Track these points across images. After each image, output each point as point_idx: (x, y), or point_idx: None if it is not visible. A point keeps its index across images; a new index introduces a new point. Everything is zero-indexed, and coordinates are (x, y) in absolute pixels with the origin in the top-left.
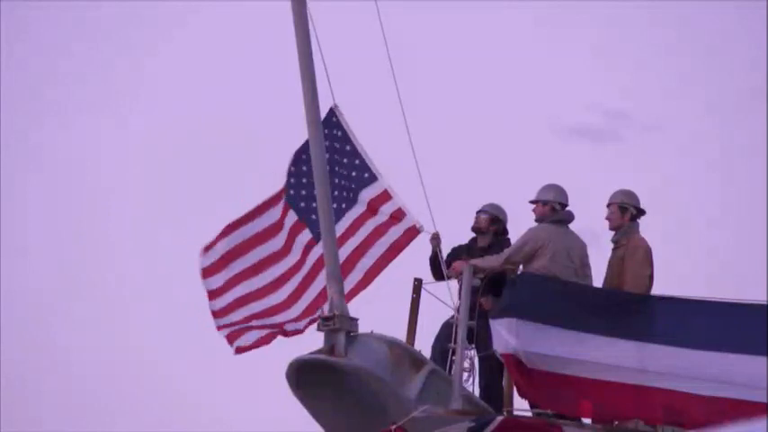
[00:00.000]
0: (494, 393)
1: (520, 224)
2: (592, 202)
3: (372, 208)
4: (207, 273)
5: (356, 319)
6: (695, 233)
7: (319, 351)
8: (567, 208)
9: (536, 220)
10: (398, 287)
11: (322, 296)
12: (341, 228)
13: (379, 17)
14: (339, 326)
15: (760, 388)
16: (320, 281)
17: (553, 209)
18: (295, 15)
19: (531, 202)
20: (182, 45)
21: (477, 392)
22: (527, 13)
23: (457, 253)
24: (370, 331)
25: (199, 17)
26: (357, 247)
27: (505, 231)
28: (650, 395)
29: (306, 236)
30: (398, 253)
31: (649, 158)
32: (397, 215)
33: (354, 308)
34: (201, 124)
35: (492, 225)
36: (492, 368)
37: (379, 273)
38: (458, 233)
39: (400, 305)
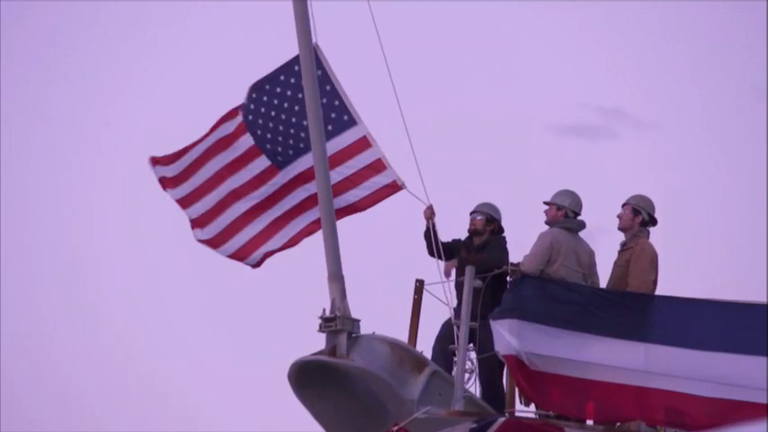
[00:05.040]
0: (495, 394)
1: (515, 222)
2: (588, 199)
3: (349, 152)
4: (168, 183)
5: (358, 321)
6: (693, 232)
7: (321, 352)
8: (579, 217)
9: (546, 223)
10: (400, 288)
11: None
12: (308, 162)
13: (373, 17)
14: (341, 327)
15: (760, 389)
16: (283, 211)
17: (566, 215)
18: None
19: (546, 203)
20: (180, 44)
21: (478, 393)
22: (523, 11)
23: (456, 247)
24: (371, 332)
25: (197, 18)
26: (335, 185)
27: (501, 229)
28: (652, 396)
29: (263, 162)
30: (373, 204)
31: (645, 156)
32: (377, 166)
33: (356, 309)
34: (200, 124)
35: (488, 225)
36: (493, 369)
37: (346, 215)
38: (454, 230)
39: (402, 306)
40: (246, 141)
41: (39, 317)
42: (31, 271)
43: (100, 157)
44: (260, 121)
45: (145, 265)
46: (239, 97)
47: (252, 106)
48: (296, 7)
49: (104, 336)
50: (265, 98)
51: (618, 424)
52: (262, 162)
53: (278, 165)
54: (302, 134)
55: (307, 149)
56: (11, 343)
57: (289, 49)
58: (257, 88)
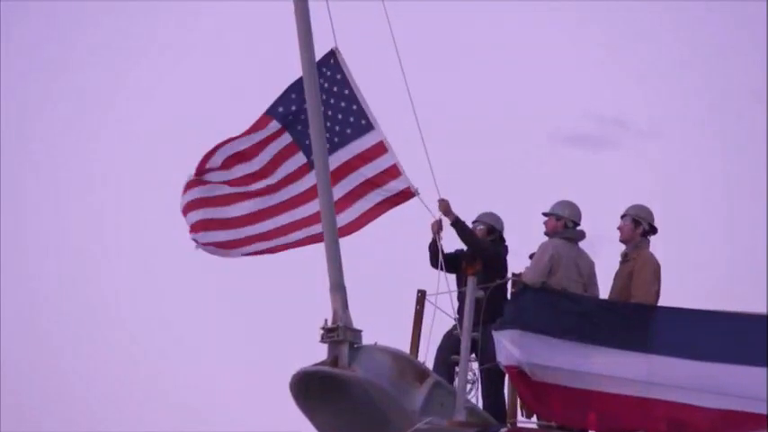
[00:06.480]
0: (497, 405)
1: (517, 232)
2: (589, 209)
3: (366, 157)
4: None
5: (360, 331)
6: (694, 240)
7: (323, 362)
8: (579, 227)
9: (546, 233)
10: (402, 299)
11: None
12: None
13: (388, 21)
14: (343, 337)
15: (762, 399)
16: (309, 208)
17: (565, 225)
18: None
19: (545, 214)
20: (181, 45)
21: (480, 404)
22: (524, 20)
23: (459, 257)
24: (373, 343)
25: (198, 19)
26: (353, 190)
27: (502, 239)
28: (654, 407)
29: (300, 159)
30: (386, 211)
31: (646, 166)
32: (392, 172)
33: (358, 319)
34: (200, 125)
35: (489, 235)
36: (495, 380)
37: (370, 221)
38: (454, 239)
39: (404, 317)
40: (284, 141)
41: (39, 317)
42: (31, 271)
43: (100, 157)
44: (302, 117)
45: (146, 269)
46: (239, 98)
47: (292, 107)
48: (298, 15)
49: (104, 336)
50: (295, 97)
51: None
52: (299, 159)
53: (311, 165)
54: (334, 139)
55: (333, 150)
56: (11, 343)
57: (286, 51)
58: (295, 90)
